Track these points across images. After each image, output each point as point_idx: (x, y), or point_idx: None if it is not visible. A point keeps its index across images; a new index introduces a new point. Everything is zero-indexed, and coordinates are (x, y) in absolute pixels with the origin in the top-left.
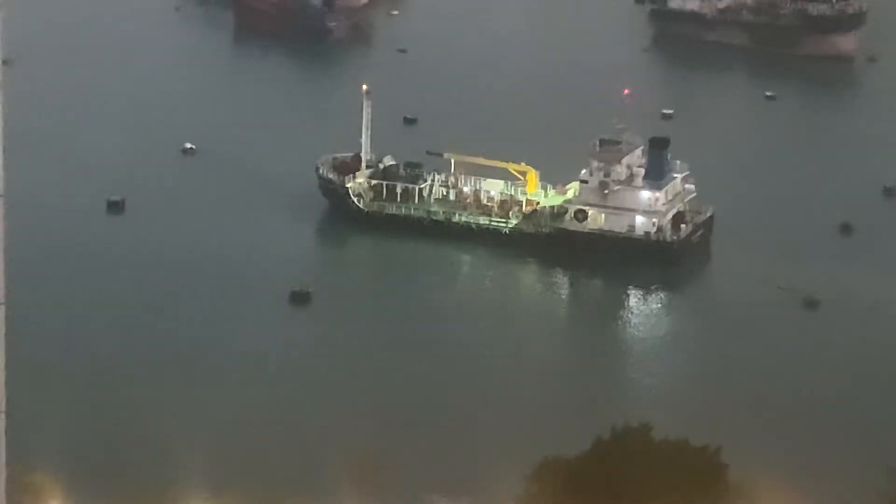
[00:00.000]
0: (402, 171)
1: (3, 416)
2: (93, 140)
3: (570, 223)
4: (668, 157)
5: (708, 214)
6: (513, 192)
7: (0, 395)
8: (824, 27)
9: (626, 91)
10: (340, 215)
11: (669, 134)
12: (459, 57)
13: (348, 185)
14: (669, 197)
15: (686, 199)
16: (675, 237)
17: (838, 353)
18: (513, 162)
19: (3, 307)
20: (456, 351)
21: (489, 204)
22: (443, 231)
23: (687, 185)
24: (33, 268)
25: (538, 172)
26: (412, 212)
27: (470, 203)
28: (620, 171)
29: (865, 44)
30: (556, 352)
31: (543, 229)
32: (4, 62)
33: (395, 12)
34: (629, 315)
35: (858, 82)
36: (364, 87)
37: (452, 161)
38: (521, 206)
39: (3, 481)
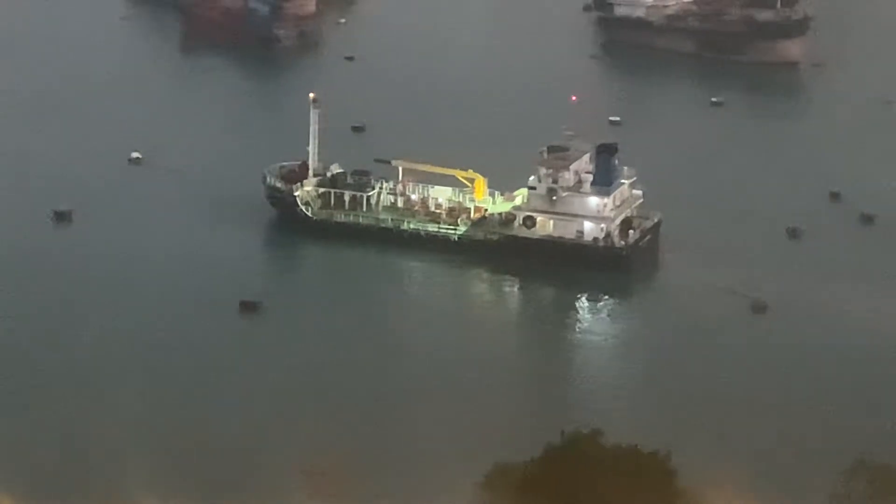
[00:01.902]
0: (349, 179)
1: None
2: (39, 150)
3: (518, 230)
4: (616, 163)
5: (656, 220)
6: (461, 199)
7: None
8: (770, 33)
9: (574, 97)
10: (289, 224)
11: (617, 140)
12: (407, 65)
13: (296, 194)
14: (617, 203)
15: (634, 205)
16: (623, 243)
17: (786, 357)
18: (460, 169)
19: None
20: (405, 359)
21: (437, 211)
22: (392, 239)
23: (635, 191)
24: None
25: (486, 179)
26: (361, 220)
27: (418, 210)
28: (568, 177)
29: (811, 50)
30: (504, 359)
31: (492, 236)
32: None
33: (343, 20)
34: (578, 321)
35: (804, 88)
36: (311, 95)
37: (400, 169)
38: (470, 213)
39: None
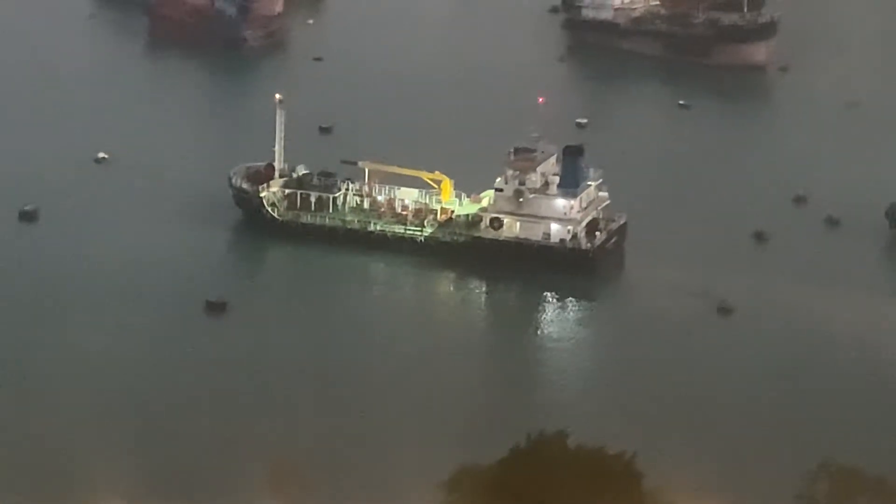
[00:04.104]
0: (316, 181)
1: None
2: (4, 149)
3: (485, 231)
4: (583, 165)
5: (622, 222)
6: (427, 201)
7: None
8: (737, 37)
9: (541, 99)
10: (255, 225)
11: (584, 142)
12: (375, 65)
13: (262, 195)
14: (584, 205)
15: (600, 207)
16: (589, 245)
17: (751, 360)
18: (427, 170)
19: None
20: (370, 360)
21: (404, 213)
22: (358, 240)
23: (601, 193)
24: None
25: (452, 181)
26: (327, 221)
27: (384, 212)
28: (535, 179)
29: (777, 54)
30: (469, 360)
31: (459, 238)
32: None
33: (311, 21)
34: (544, 323)
35: (770, 92)
36: (277, 96)
37: (367, 170)
38: (436, 214)
39: None
